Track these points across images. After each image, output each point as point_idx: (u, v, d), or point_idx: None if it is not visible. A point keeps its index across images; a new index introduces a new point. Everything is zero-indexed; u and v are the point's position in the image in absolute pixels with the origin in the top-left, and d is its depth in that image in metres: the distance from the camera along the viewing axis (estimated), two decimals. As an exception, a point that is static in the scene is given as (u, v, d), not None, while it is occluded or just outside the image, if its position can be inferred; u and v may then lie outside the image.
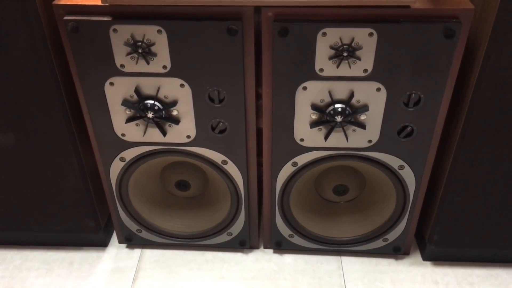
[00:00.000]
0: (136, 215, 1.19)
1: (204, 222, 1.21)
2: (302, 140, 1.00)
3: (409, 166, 1.02)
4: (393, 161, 1.02)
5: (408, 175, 1.04)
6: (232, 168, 1.07)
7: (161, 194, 1.23)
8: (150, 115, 0.98)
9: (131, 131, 1.02)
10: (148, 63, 0.91)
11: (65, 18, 0.87)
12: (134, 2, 0.84)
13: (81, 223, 1.20)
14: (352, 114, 0.94)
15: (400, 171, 1.03)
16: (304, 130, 0.98)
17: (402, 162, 1.02)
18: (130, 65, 0.92)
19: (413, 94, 0.91)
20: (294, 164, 1.04)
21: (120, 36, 0.88)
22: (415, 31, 0.84)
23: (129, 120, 1.00)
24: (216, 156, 1.05)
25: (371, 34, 0.84)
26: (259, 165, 1.09)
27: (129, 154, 1.06)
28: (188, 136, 1.02)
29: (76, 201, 1.16)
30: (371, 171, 1.08)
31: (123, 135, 1.03)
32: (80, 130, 1.07)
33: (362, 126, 0.96)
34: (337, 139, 0.99)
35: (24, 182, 1.13)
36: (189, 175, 1.18)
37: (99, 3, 0.86)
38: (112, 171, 1.10)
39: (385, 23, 0.83)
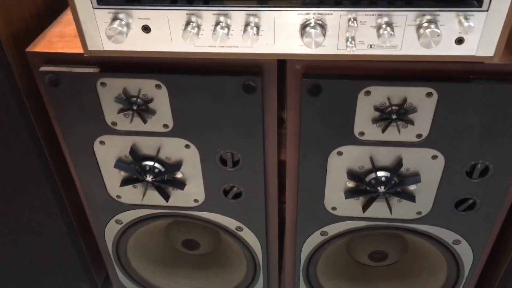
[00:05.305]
0: (137, 276, 1.04)
1: (215, 285, 1.05)
2: (334, 208, 0.82)
3: (466, 241, 0.83)
4: (447, 235, 0.83)
5: (464, 250, 0.85)
6: (248, 235, 0.89)
7: (166, 251, 1.06)
8: (149, 178, 0.80)
9: (128, 193, 0.86)
10: (145, 121, 0.74)
11: (42, 69, 0.70)
12: (124, 54, 0.65)
13: (74, 287, 1.04)
14: (398, 184, 0.75)
15: (455, 246, 0.84)
16: (337, 198, 0.80)
17: (458, 237, 0.83)
18: (124, 123, 0.75)
19: (479, 164, 0.72)
20: (324, 233, 0.86)
21: (109, 90, 0.71)
22: (488, 91, 0.64)
23: (124, 183, 0.83)
24: (230, 222, 0.88)
25: (429, 94, 0.65)
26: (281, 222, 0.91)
27: (127, 216, 0.90)
28: (196, 200, 0.85)
29: (67, 264, 1.01)
30: (417, 239, 0.89)
31: (118, 196, 0.86)
32: (69, 189, 0.90)
33: (411, 198, 0.77)
34: (378, 209, 0.80)
35: (10, 245, 0.98)
36: (197, 234, 1.01)
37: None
38: (107, 233, 0.94)
39: (449, 82, 0.64)
